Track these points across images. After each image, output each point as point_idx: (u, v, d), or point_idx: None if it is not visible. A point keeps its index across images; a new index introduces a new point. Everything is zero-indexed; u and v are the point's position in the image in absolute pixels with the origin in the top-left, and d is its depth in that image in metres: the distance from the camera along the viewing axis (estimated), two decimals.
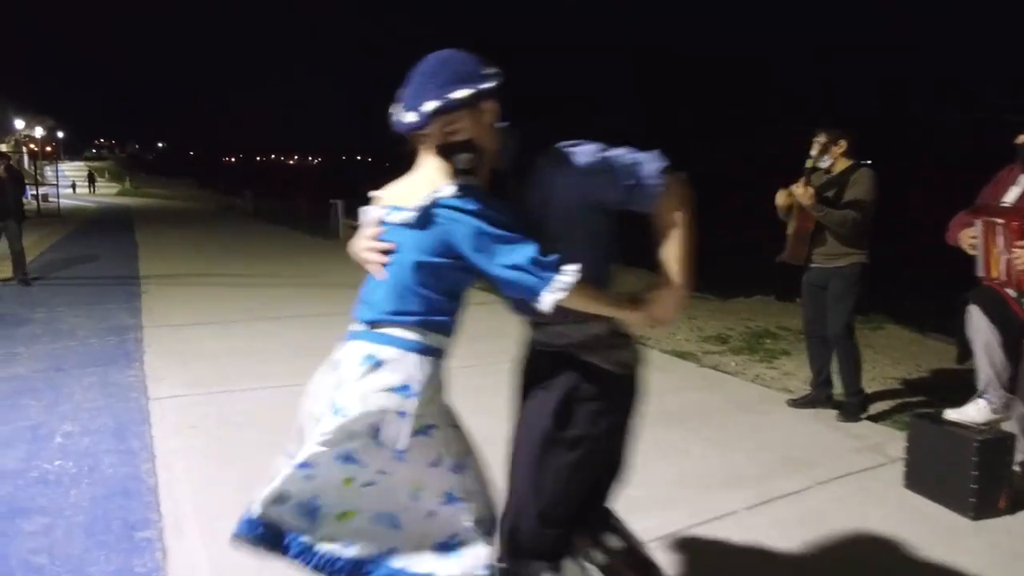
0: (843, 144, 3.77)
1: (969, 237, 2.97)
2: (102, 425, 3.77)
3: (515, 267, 1.50)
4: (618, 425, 1.76)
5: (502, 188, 1.59)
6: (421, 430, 1.58)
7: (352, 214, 15.33)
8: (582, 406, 1.67)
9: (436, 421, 1.62)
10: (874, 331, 6.85)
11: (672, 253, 1.62)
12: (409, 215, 1.58)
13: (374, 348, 1.59)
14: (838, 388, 4.09)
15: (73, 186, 44.74)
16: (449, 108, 1.49)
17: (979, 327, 2.88)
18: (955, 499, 2.86)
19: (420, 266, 1.57)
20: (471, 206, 1.51)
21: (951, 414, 3.00)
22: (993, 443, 2.82)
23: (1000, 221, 2.83)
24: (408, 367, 1.57)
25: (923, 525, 2.80)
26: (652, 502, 2.94)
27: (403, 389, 1.56)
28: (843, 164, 3.82)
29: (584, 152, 1.58)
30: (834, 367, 4.11)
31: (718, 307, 8.33)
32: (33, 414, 3.93)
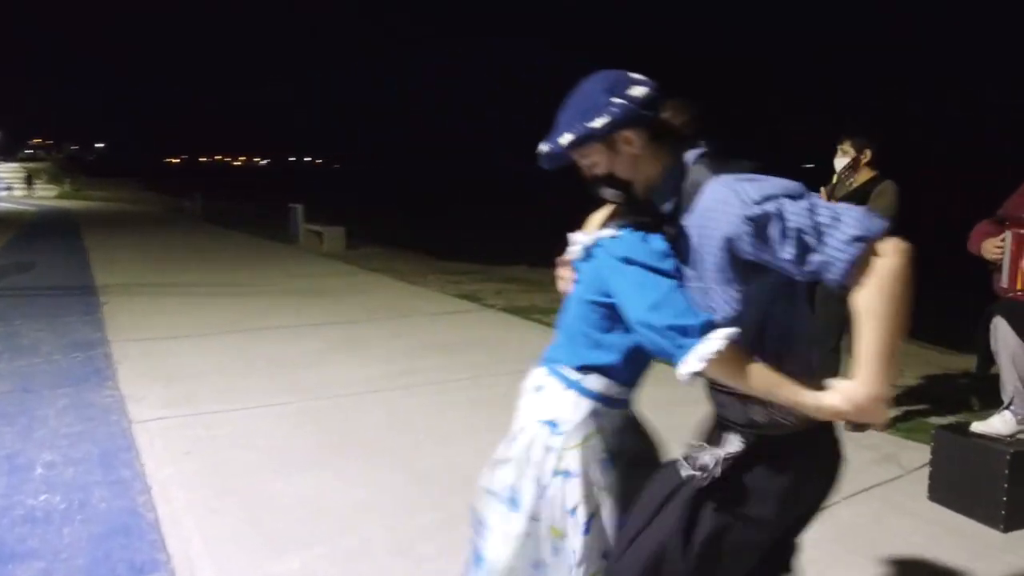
0: (868, 154, 3.75)
1: (994, 247, 2.96)
2: (86, 453, 3.51)
3: (650, 327, 1.35)
4: (753, 539, 1.44)
5: (667, 223, 1.43)
6: (561, 472, 1.54)
7: (311, 218, 15.15)
8: (714, 505, 1.41)
9: (576, 469, 1.53)
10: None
11: (864, 346, 1.24)
12: (580, 249, 1.57)
13: (544, 378, 1.62)
14: None
15: (9, 188, 42.84)
16: (558, 153, 1.43)
17: (1006, 340, 2.88)
18: (985, 511, 2.85)
19: (585, 302, 1.56)
20: (620, 250, 1.44)
21: (978, 426, 3.00)
22: None
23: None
24: (563, 404, 1.56)
25: (955, 538, 2.79)
26: None
27: (552, 424, 1.56)
28: (866, 175, 3.78)
29: (749, 190, 1.28)
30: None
31: None
32: (7, 442, 3.65)
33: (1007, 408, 2.94)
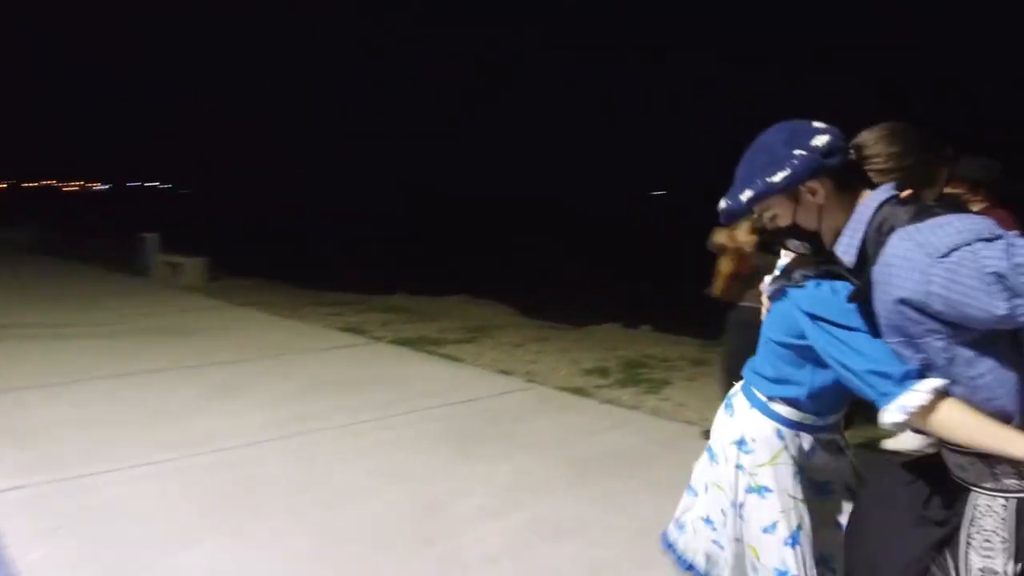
0: None
1: None
2: None
3: (851, 372, 1.37)
4: None
5: (854, 273, 1.38)
6: (756, 489, 1.61)
7: (167, 248, 14.06)
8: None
9: (773, 485, 1.60)
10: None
11: None
12: (770, 287, 1.60)
13: (736, 397, 1.71)
14: None
15: None
16: (737, 212, 1.43)
17: None
18: None
19: (775, 338, 1.62)
20: (807, 304, 1.46)
21: (890, 444, 3.16)
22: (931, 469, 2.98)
23: None
24: (748, 423, 1.65)
25: None
26: (630, 563, 2.79)
27: (740, 443, 1.65)
28: None
29: (936, 242, 1.20)
30: None
31: (581, 337, 8.47)
32: None
33: None
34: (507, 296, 11.69)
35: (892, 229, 1.28)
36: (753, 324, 3.93)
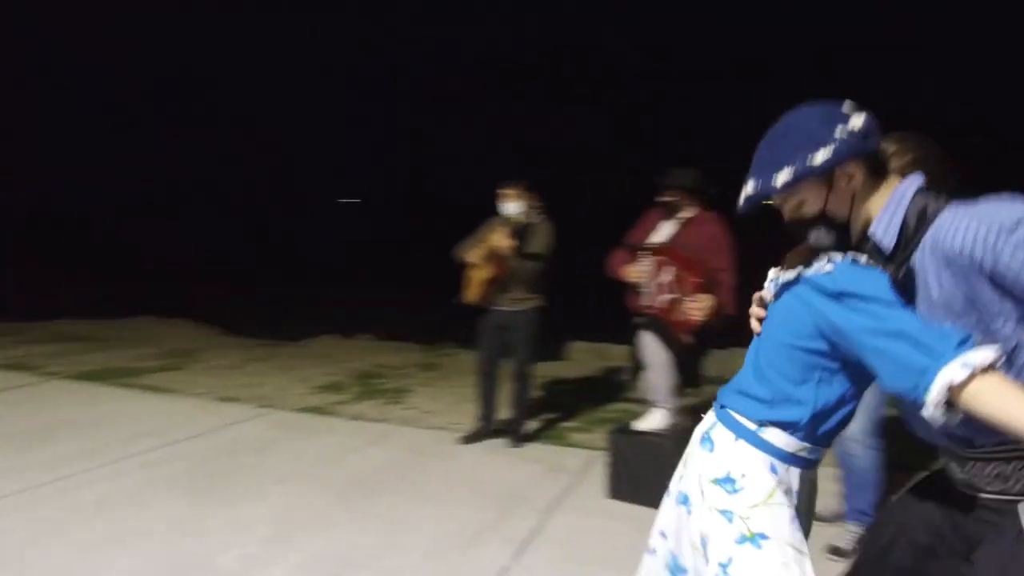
0: (535, 195, 4.08)
1: (636, 271, 3.43)
2: None
3: (899, 334, 1.19)
4: None
5: (889, 261, 1.28)
6: (749, 538, 1.35)
7: None
8: None
9: (770, 532, 1.35)
10: (447, 358, 7.45)
11: None
12: (776, 287, 1.43)
13: (715, 429, 1.45)
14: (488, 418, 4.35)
15: None
16: (765, 197, 1.29)
17: (653, 348, 3.38)
18: (657, 497, 3.28)
19: (784, 346, 1.38)
20: (837, 284, 1.28)
21: (640, 425, 3.45)
22: (685, 442, 3.34)
23: (664, 258, 3.35)
24: (734, 456, 1.39)
25: (633, 524, 3.10)
26: None
27: (725, 481, 1.39)
28: (529, 216, 4.12)
29: (1001, 215, 1.16)
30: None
31: (300, 352, 8.05)
32: None
33: (657, 405, 3.45)
34: (198, 313, 10.56)
35: (937, 212, 1.25)
36: (506, 326, 4.11)
